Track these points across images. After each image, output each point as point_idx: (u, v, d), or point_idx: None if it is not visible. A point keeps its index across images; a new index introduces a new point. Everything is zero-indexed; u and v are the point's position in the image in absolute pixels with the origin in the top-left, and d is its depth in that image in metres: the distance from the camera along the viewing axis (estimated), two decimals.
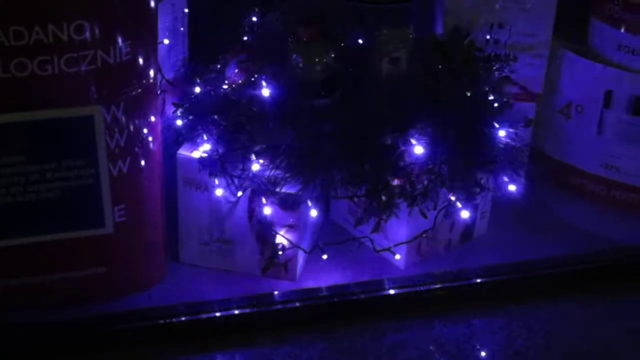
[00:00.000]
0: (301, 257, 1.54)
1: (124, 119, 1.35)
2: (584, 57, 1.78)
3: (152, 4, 1.34)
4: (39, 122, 1.27)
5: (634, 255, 1.65)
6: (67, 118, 1.27)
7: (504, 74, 1.63)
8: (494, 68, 1.63)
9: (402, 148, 1.44)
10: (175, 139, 1.52)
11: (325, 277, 1.55)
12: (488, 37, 1.74)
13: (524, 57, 1.74)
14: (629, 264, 1.64)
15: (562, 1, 1.73)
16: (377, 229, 1.49)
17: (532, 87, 1.76)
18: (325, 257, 1.55)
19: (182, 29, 1.63)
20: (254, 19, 1.62)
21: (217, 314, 1.45)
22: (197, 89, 1.55)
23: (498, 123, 1.55)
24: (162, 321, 1.44)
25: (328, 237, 1.61)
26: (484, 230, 1.71)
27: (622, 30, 1.75)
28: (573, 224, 1.78)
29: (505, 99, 1.60)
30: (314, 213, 1.46)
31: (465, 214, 1.51)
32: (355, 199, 1.47)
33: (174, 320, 1.44)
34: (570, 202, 1.84)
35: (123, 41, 1.30)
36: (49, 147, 1.30)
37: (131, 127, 1.36)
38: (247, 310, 1.46)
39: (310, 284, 1.53)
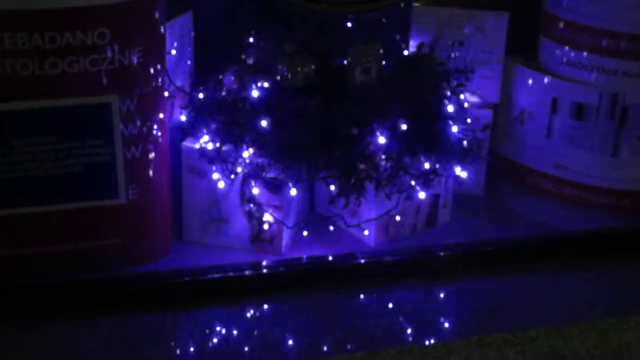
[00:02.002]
0: (286, 235, 1.81)
1: (136, 112, 1.63)
2: (533, 70, 2.05)
3: (161, 19, 1.63)
4: (67, 108, 1.56)
5: (572, 239, 1.90)
6: (89, 105, 1.56)
7: (460, 83, 1.91)
8: (453, 79, 1.91)
9: (367, 139, 1.73)
10: (181, 135, 1.81)
11: (306, 252, 1.82)
12: (452, 54, 2.02)
13: (481, 70, 2.01)
14: (566, 246, 1.89)
15: (514, 23, 2.00)
16: (346, 205, 1.77)
17: (489, 97, 2.05)
18: (305, 233, 1.83)
19: (188, 45, 1.93)
20: (250, 39, 1.91)
21: (214, 275, 1.70)
22: (200, 95, 1.84)
23: (453, 122, 1.83)
24: (166, 282, 1.71)
25: (311, 221, 1.89)
26: (447, 218, 1.98)
27: (566, 47, 2.01)
28: (526, 216, 2.04)
29: (460, 103, 1.88)
30: (293, 192, 1.74)
31: (422, 195, 1.79)
32: (330, 182, 1.75)
33: (177, 281, 1.70)
34: (525, 198, 2.09)
35: (136, 47, 1.60)
36: (75, 129, 1.58)
37: (142, 119, 1.65)
38: (239, 274, 1.72)
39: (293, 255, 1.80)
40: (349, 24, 1.86)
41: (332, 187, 1.74)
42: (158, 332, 1.59)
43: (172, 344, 1.58)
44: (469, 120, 1.87)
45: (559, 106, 2.00)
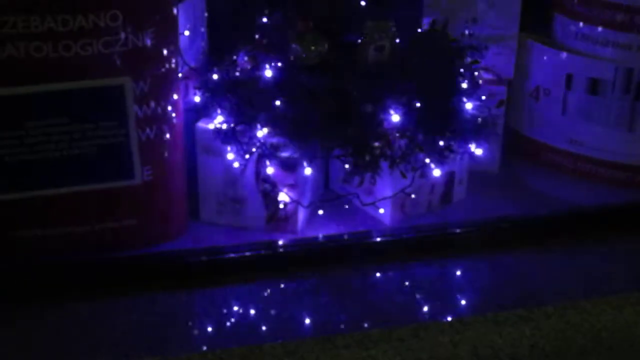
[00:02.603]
0: (301, 214, 1.82)
1: (150, 93, 1.64)
2: (548, 46, 2.04)
3: (172, 1, 1.64)
4: (81, 90, 1.57)
5: (587, 214, 1.91)
6: (103, 87, 1.57)
7: (474, 61, 1.91)
8: (466, 56, 1.91)
9: (381, 117, 1.73)
10: (196, 116, 1.82)
11: (322, 231, 1.83)
12: (466, 31, 2.02)
13: (495, 47, 2.01)
14: (582, 222, 1.89)
15: None
16: (361, 183, 1.77)
17: (503, 74, 2.04)
18: (321, 212, 1.84)
19: (201, 26, 1.93)
20: (263, 18, 1.91)
21: (231, 255, 1.72)
22: (214, 75, 1.84)
23: (467, 99, 1.83)
24: (183, 262, 1.72)
25: (327, 200, 1.90)
26: (463, 195, 1.98)
27: (580, 22, 2.01)
28: (541, 192, 2.04)
29: (474, 80, 1.88)
30: (308, 171, 1.74)
31: (437, 173, 1.79)
32: (344, 161, 1.75)
33: (194, 260, 1.72)
34: (541, 174, 2.10)
35: (148, 29, 1.60)
36: (89, 110, 1.59)
37: (156, 101, 1.66)
38: (255, 253, 1.73)
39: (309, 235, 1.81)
40: (362, 2, 1.85)
41: (347, 166, 1.74)
42: (175, 311, 1.60)
43: (189, 322, 1.60)
44: (483, 97, 1.86)
45: (574, 82, 2.00)
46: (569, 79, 2.00)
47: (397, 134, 1.73)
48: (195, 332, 1.57)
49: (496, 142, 2.01)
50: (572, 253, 1.80)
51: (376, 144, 1.71)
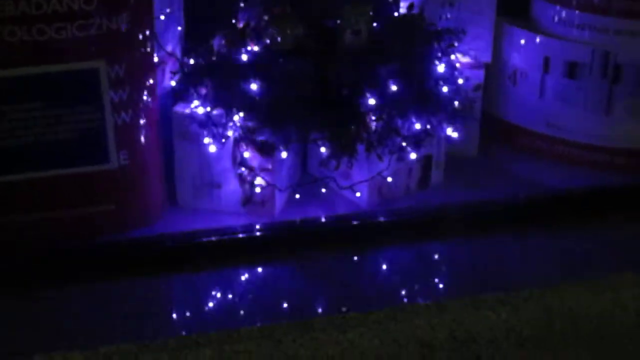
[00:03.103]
0: (278, 198, 1.82)
1: (125, 78, 1.63)
2: (525, 30, 2.05)
3: None
4: (55, 74, 1.56)
5: (565, 198, 1.91)
6: (77, 70, 1.57)
7: (450, 44, 1.91)
8: (443, 40, 1.91)
9: (358, 100, 1.73)
10: (172, 101, 1.81)
11: (300, 214, 1.83)
12: (443, 15, 2.02)
13: (473, 30, 2.01)
14: (560, 205, 1.89)
15: None
16: (338, 167, 1.77)
17: (481, 58, 2.04)
18: (297, 196, 1.83)
19: (178, 10, 1.93)
20: (240, 2, 1.90)
21: (208, 239, 1.71)
22: (190, 60, 1.84)
23: (443, 83, 1.83)
24: (159, 246, 1.71)
25: (304, 184, 1.90)
26: (440, 180, 1.98)
27: (557, 6, 2.01)
28: (519, 175, 2.05)
29: (451, 64, 1.88)
30: (284, 155, 1.74)
31: (413, 156, 1.79)
32: (321, 144, 1.75)
33: (171, 245, 1.71)
34: (519, 158, 2.11)
35: (123, 13, 1.60)
36: (64, 95, 1.59)
37: (132, 85, 1.65)
38: (232, 237, 1.73)
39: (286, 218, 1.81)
40: None
41: (323, 149, 1.74)
42: (152, 296, 1.60)
43: (167, 307, 1.60)
44: (460, 81, 1.86)
45: (551, 65, 2.01)
46: (547, 62, 2.00)
47: (374, 118, 1.72)
48: (173, 316, 1.58)
49: (474, 125, 2.02)
50: (550, 237, 1.81)
51: (352, 127, 1.70)
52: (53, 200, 1.67)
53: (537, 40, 2.01)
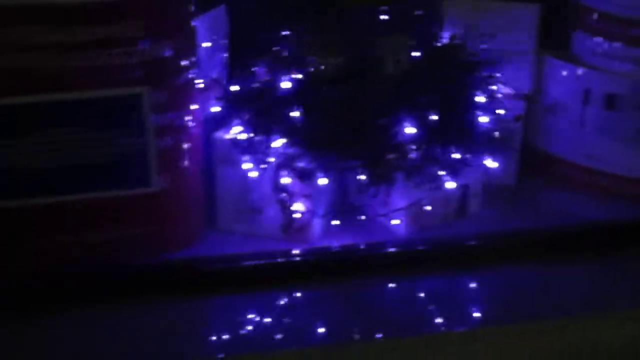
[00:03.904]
0: (317, 224, 1.84)
1: (168, 103, 1.67)
2: (566, 61, 2.06)
3: (192, 12, 1.68)
4: (99, 99, 1.60)
5: (601, 230, 1.91)
6: (121, 96, 1.61)
7: (491, 75, 1.93)
8: (484, 70, 1.93)
9: (396, 129, 1.75)
10: (214, 126, 1.85)
11: (337, 240, 1.85)
12: (485, 45, 2.04)
13: (513, 62, 2.03)
14: (596, 237, 1.89)
15: (546, 14, 2.02)
16: (376, 194, 1.79)
17: (521, 88, 2.06)
18: (336, 222, 1.86)
19: (222, 38, 1.97)
20: (283, 30, 1.94)
21: (246, 263, 1.75)
22: (233, 86, 1.87)
23: (483, 113, 1.85)
24: (198, 269, 1.75)
25: (342, 211, 1.92)
26: (478, 209, 2.00)
27: (598, 38, 2.02)
28: (556, 207, 2.05)
29: (491, 94, 1.90)
30: (323, 181, 1.77)
31: (451, 185, 1.81)
32: (359, 172, 1.77)
33: (209, 268, 1.74)
34: (557, 189, 2.11)
35: (167, 40, 1.64)
36: (107, 119, 1.63)
37: (174, 110, 1.69)
38: (270, 261, 1.76)
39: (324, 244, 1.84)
40: (381, 15, 1.87)
41: (362, 177, 1.76)
42: (190, 318, 1.63)
43: (204, 330, 1.62)
44: (500, 111, 1.87)
45: (591, 97, 2.01)
46: (587, 94, 2.00)
47: (413, 147, 1.74)
48: (209, 339, 1.59)
49: (513, 156, 2.02)
50: (584, 268, 1.81)
51: (391, 155, 1.72)
52: (93, 222, 1.70)
53: (578, 72, 2.01)
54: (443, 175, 1.79)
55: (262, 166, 1.77)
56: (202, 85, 1.79)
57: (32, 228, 1.69)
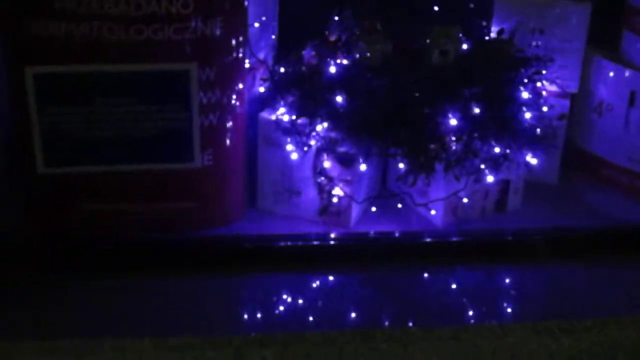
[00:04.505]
0: (355, 210, 1.86)
1: (215, 81, 1.69)
2: (613, 62, 2.05)
3: None
4: (148, 73, 1.63)
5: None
6: (169, 70, 1.63)
7: (537, 71, 1.93)
8: (531, 66, 1.93)
9: (438, 120, 1.76)
10: (260, 107, 1.87)
11: (374, 227, 1.86)
12: (533, 42, 2.04)
13: (561, 60, 2.02)
14: (632, 239, 1.89)
15: (597, 13, 2.01)
16: (414, 183, 1.80)
17: (567, 87, 2.05)
18: (374, 209, 1.87)
19: (272, 20, 1.98)
20: (332, 15, 1.95)
21: (284, 243, 1.77)
22: (280, 69, 1.89)
23: (527, 109, 1.85)
24: (236, 246, 1.77)
25: (381, 198, 1.94)
26: (518, 205, 2.00)
27: None
28: (596, 207, 2.05)
29: (536, 91, 1.90)
30: (363, 167, 1.78)
31: (490, 179, 1.81)
32: (399, 160, 1.79)
33: (247, 246, 1.77)
34: (598, 190, 2.10)
35: (218, 18, 1.66)
36: (155, 93, 1.65)
37: (221, 88, 1.71)
38: (307, 243, 1.77)
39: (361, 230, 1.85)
40: (430, 6, 1.88)
41: (401, 165, 1.77)
42: (224, 293, 1.66)
43: (238, 306, 1.65)
44: (544, 108, 1.87)
45: (637, 99, 1.99)
46: (633, 96, 1.99)
47: (454, 138, 1.75)
48: (241, 315, 1.61)
49: (556, 154, 2.02)
50: (620, 269, 1.81)
51: (432, 146, 1.73)
52: (137, 193, 1.74)
53: (626, 74, 2.01)
54: (483, 168, 1.79)
55: (304, 149, 1.77)
56: (249, 65, 1.79)
57: (77, 194, 1.73)
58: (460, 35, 1.88)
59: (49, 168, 1.66)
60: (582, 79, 2.05)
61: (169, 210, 1.76)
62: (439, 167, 1.78)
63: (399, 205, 1.89)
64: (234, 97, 1.72)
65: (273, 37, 1.97)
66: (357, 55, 1.82)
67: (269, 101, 1.85)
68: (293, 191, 1.85)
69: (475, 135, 1.76)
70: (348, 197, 1.81)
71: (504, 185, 1.92)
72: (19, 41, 1.61)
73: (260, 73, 1.90)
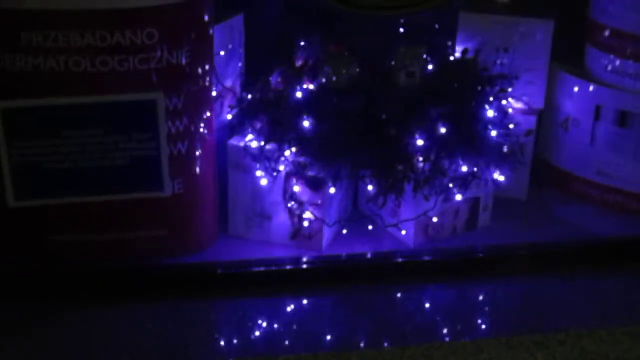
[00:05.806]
0: (327, 232, 1.87)
1: (182, 110, 1.70)
2: (578, 77, 2.08)
3: (209, 21, 1.71)
4: (114, 103, 1.63)
5: (609, 244, 1.94)
6: (136, 100, 1.64)
7: (503, 89, 1.95)
8: (496, 84, 1.95)
9: (406, 140, 1.77)
10: (228, 133, 1.88)
11: (346, 249, 1.87)
12: (498, 60, 2.06)
13: (526, 77, 2.04)
14: (603, 251, 1.91)
15: (560, 30, 2.03)
16: (384, 204, 1.81)
17: (534, 103, 2.08)
18: (345, 231, 1.88)
19: (238, 47, 2.00)
20: (298, 41, 1.97)
21: (256, 268, 1.77)
22: (247, 95, 1.90)
23: (493, 127, 1.87)
24: (209, 273, 1.77)
25: (352, 220, 1.95)
26: (488, 221, 2.01)
27: (611, 55, 2.03)
28: (566, 221, 2.06)
29: (501, 108, 1.92)
30: (333, 190, 1.79)
31: (459, 197, 1.83)
32: (368, 182, 1.80)
33: (220, 272, 1.77)
34: (567, 204, 2.12)
35: (184, 48, 1.67)
36: (123, 123, 1.65)
37: (189, 117, 1.72)
38: (279, 268, 1.78)
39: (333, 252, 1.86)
40: (395, 28, 1.90)
41: (370, 187, 1.79)
42: (198, 320, 1.66)
43: (213, 332, 1.65)
44: (511, 126, 1.89)
45: (603, 113, 2.02)
46: (598, 110, 2.02)
47: (421, 158, 1.76)
48: (216, 341, 1.62)
49: (524, 170, 2.04)
50: (592, 282, 1.82)
51: (400, 166, 1.75)
52: (107, 223, 1.74)
53: (590, 88, 2.03)
54: (451, 187, 1.80)
55: (274, 174, 1.78)
56: (216, 93, 1.81)
57: (47, 226, 1.74)
58: (425, 55, 1.88)
59: (19, 201, 1.65)
60: (548, 95, 2.07)
61: (141, 238, 1.76)
62: (408, 187, 1.78)
63: (370, 227, 1.90)
64: (202, 124, 1.73)
65: (240, 64, 1.98)
66: (323, 79, 1.82)
67: (237, 128, 1.86)
68: (264, 216, 1.86)
69: (443, 154, 1.76)
70: (319, 220, 1.81)
71: (473, 203, 1.93)
72: None
73: (228, 100, 1.91)
